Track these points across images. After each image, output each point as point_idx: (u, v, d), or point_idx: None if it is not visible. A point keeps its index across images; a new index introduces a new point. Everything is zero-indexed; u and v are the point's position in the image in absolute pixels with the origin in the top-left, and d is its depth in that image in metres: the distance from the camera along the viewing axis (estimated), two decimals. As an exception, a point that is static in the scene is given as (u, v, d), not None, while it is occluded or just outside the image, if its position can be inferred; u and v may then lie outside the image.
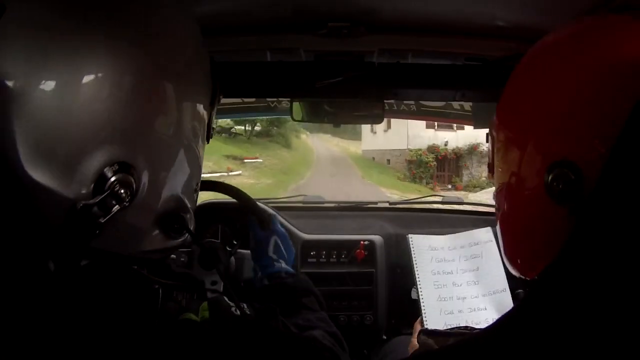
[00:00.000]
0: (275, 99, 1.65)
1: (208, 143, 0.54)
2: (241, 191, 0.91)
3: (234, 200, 0.90)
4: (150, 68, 0.41)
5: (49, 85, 0.35)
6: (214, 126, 0.54)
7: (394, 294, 1.29)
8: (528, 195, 0.39)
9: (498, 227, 0.47)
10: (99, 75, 0.37)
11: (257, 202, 1.01)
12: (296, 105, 1.07)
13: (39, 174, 0.35)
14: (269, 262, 0.78)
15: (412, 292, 1.30)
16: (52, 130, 0.36)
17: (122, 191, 0.39)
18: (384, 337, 1.25)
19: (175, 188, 0.46)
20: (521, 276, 0.45)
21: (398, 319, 1.29)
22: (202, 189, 0.86)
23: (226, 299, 0.52)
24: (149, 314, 0.44)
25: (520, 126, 0.41)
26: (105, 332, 0.39)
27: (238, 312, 0.49)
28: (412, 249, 0.98)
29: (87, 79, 0.37)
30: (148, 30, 0.41)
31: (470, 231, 1.03)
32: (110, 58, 0.38)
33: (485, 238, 1.02)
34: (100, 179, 0.38)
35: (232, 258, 1.14)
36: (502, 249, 0.47)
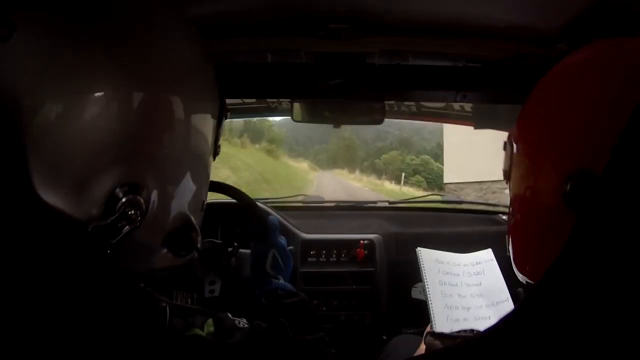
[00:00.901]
0: (275, 100, 1.66)
1: (214, 160, 0.53)
2: (243, 193, 0.91)
3: (234, 200, 0.91)
4: (156, 86, 0.41)
5: (57, 104, 0.35)
6: (220, 143, 0.54)
7: (393, 293, 1.29)
8: (544, 204, 0.41)
9: (508, 235, 0.48)
10: (105, 94, 0.37)
11: (258, 204, 1.01)
12: (296, 106, 1.07)
13: (49, 196, 0.35)
14: (266, 279, 0.78)
15: (412, 291, 1.30)
16: (62, 151, 0.36)
17: (133, 212, 0.39)
18: (384, 337, 1.26)
19: (184, 206, 0.46)
20: (529, 282, 0.46)
21: (398, 318, 1.29)
22: (218, 191, 0.86)
23: (229, 315, 0.53)
24: (157, 332, 0.44)
25: (541, 138, 0.43)
26: (114, 351, 0.39)
27: (241, 325, 0.50)
28: (421, 262, 1.01)
29: (93, 98, 0.37)
30: (152, 48, 0.41)
31: (473, 253, 1.08)
32: (115, 77, 0.38)
33: (486, 258, 1.06)
34: (111, 200, 0.38)
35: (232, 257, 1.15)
36: (512, 255, 0.48)
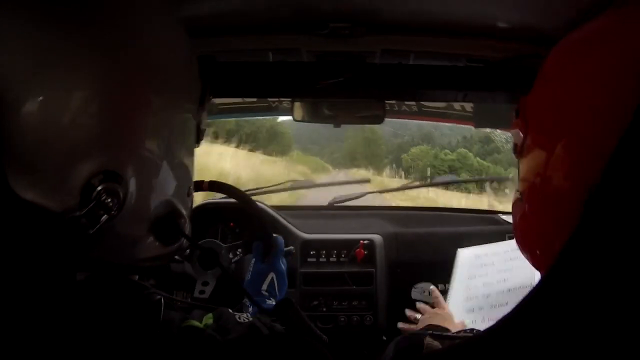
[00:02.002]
0: (276, 99, 1.66)
1: (199, 145, 0.53)
2: (253, 201, 0.92)
3: (234, 200, 0.90)
4: (131, 75, 0.40)
5: (32, 96, 0.35)
6: (204, 128, 0.54)
7: (394, 294, 1.29)
8: (559, 208, 0.38)
9: (515, 217, 0.46)
10: (81, 84, 0.37)
11: (258, 203, 1.01)
12: (297, 106, 1.07)
13: (23, 189, 0.35)
14: (260, 298, 0.78)
15: (412, 292, 1.30)
16: (35, 142, 0.35)
17: (109, 200, 0.38)
18: (384, 337, 1.25)
19: (166, 193, 0.46)
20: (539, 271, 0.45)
21: (398, 319, 1.29)
22: (218, 191, 0.87)
23: (230, 310, 0.53)
24: (151, 323, 0.44)
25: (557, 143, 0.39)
26: (107, 343, 0.39)
27: (242, 320, 0.50)
28: (457, 264, 1.02)
29: (67, 89, 0.36)
30: (128, 38, 0.41)
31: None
32: (92, 68, 0.37)
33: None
34: (86, 189, 0.37)
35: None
36: (517, 237, 0.46)
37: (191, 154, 0.51)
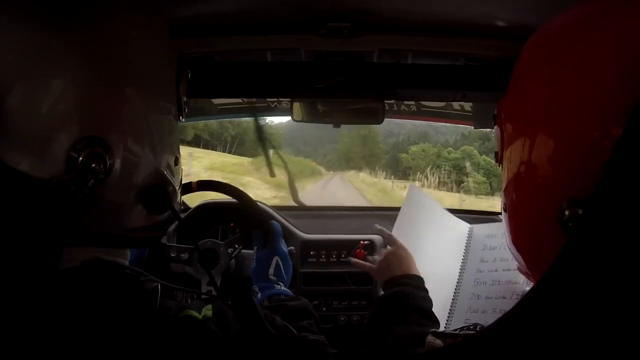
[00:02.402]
0: (275, 99, 1.66)
1: (183, 120, 0.54)
2: (244, 193, 0.91)
3: (234, 200, 0.90)
4: (110, 49, 0.41)
5: (17, 69, 0.36)
6: (185, 102, 0.55)
7: (393, 294, 1.29)
8: (538, 219, 0.38)
9: (505, 221, 0.45)
10: (65, 56, 0.38)
11: (259, 204, 1.01)
12: (296, 106, 1.07)
13: (8, 156, 0.36)
14: (269, 284, 0.80)
15: None
16: (20, 114, 0.36)
17: (94, 165, 0.39)
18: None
19: (153, 161, 0.46)
20: (528, 278, 0.45)
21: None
22: (208, 189, 0.87)
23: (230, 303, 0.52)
24: (146, 311, 0.43)
25: (536, 150, 0.38)
26: (101, 330, 0.39)
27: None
28: (469, 241, 0.96)
29: (54, 64, 0.38)
30: (100, 12, 0.42)
31: None
32: (72, 40, 0.39)
33: None
34: (72, 156, 0.38)
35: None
36: (508, 240, 0.45)
37: (175, 124, 0.52)
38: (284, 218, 1.34)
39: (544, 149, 0.37)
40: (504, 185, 0.44)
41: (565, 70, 0.36)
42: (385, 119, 1.07)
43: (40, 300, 0.37)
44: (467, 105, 1.71)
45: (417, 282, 0.80)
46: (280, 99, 1.63)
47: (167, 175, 0.48)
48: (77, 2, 0.40)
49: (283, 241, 0.86)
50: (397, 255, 0.87)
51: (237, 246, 1.13)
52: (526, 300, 0.33)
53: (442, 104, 1.80)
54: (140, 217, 0.46)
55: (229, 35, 0.83)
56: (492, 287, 0.94)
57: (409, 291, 0.76)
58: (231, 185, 0.90)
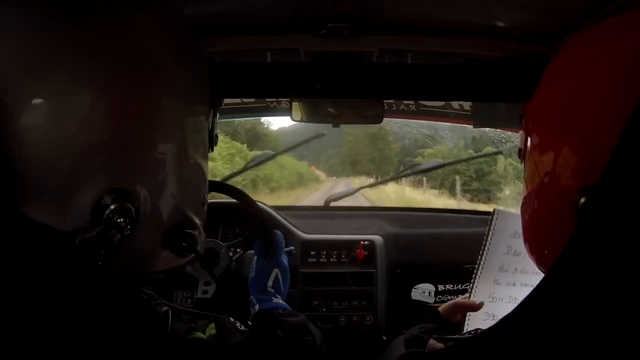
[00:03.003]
0: (274, 100, 1.65)
1: (212, 151, 0.51)
2: (253, 201, 0.92)
3: (234, 200, 0.90)
4: (144, 85, 0.39)
5: (40, 105, 0.34)
6: (217, 132, 0.52)
7: (394, 295, 1.29)
8: (556, 210, 0.40)
9: (523, 218, 0.47)
10: (90, 94, 0.36)
11: (259, 204, 1.01)
12: (295, 106, 1.07)
13: (32, 209, 0.34)
14: (266, 297, 0.78)
15: (413, 292, 1.30)
16: (42, 157, 0.34)
17: (122, 220, 0.37)
18: (384, 337, 1.25)
19: (181, 205, 0.44)
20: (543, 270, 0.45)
21: (398, 320, 1.29)
22: (218, 191, 0.86)
23: (231, 318, 0.52)
24: (159, 336, 0.43)
25: (556, 141, 0.41)
26: (114, 353, 0.38)
27: (242, 328, 0.49)
28: (492, 227, 0.84)
29: (77, 99, 0.35)
30: (136, 42, 0.39)
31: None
32: (102, 75, 0.36)
33: None
34: (97, 209, 0.36)
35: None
36: (525, 237, 0.47)
37: (205, 161, 0.49)
38: (284, 218, 1.34)
39: (558, 141, 0.40)
40: (524, 183, 0.47)
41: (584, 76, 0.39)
42: (386, 119, 1.06)
43: (51, 327, 0.37)
44: (467, 105, 1.71)
45: None
46: (280, 99, 1.63)
47: (194, 218, 0.46)
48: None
49: (285, 254, 0.86)
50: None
51: (238, 250, 1.13)
52: (532, 297, 0.33)
53: (442, 103, 1.80)
54: (167, 261, 0.45)
55: (228, 36, 0.83)
56: (507, 305, 0.86)
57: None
58: (241, 191, 0.90)
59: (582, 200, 0.36)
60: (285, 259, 0.86)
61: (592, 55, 0.39)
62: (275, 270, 0.82)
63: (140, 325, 0.42)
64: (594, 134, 0.36)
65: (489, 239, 0.84)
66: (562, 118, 0.40)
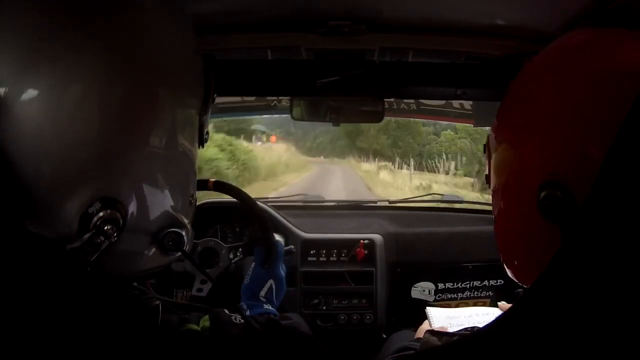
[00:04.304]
0: (275, 98, 1.65)
1: (202, 147, 0.51)
2: (257, 204, 0.92)
3: (235, 200, 0.90)
4: (138, 82, 0.38)
5: (28, 102, 0.33)
6: (207, 130, 0.52)
7: (393, 293, 1.29)
8: (521, 210, 0.40)
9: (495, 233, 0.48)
10: (83, 91, 0.35)
11: (259, 204, 1.01)
12: (296, 104, 1.07)
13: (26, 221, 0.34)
14: (257, 302, 0.79)
15: (412, 291, 1.30)
16: (32, 171, 0.34)
17: (109, 227, 0.37)
18: (384, 335, 1.26)
19: (168, 204, 0.44)
20: (519, 282, 0.46)
21: (398, 318, 1.29)
22: (223, 192, 0.86)
23: (226, 311, 0.52)
24: (149, 327, 0.43)
25: (516, 139, 0.42)
26: (106, 347, 0.39)
27: (238, 321, 0.49)
28: (430, 320, 0.98)
29: (69, 96, 0.35)
30: (133, 37, 0.39)
31: (489, 308, 1.04)
32: (97, 70, 0.36)
33: (495, 312, 1.03)
34: (84, 218, 0.36)
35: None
36: (501, 255, 0.47)
37: (195, 158, 0.49)
38: (284, 217, 1.34)
39: (518, 140, 0.41)
40: (494, 201, 0.47)
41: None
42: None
43: (45, 322, 0.37)
44: (467, 104, 1.71)
45: None
46: (280, 98, 1.63)
47: (182, 218, 0.46)
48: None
49: (283, 264, 0.86)
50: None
51: (239, 253, 1.14)
52: (526, 296, 0.33)
53: (442, 102, 1.80)
54: (154, 260, 0.45)
55: (229, 33, 0.83)
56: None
57: None
58: (241, 190, 0.89)
59: (543, 194, 0.36)
60: (283, 270, 0.85)
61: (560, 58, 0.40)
62: (270, 282, 0.81)
63: (129, 318, 0.42)
64: (557, 128, 0.37)
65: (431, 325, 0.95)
66: (528, 116, 0.40)
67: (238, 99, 1.64)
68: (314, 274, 1.27)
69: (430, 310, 1.01)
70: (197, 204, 1.32)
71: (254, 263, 0.85)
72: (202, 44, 0.83)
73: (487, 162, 0.49)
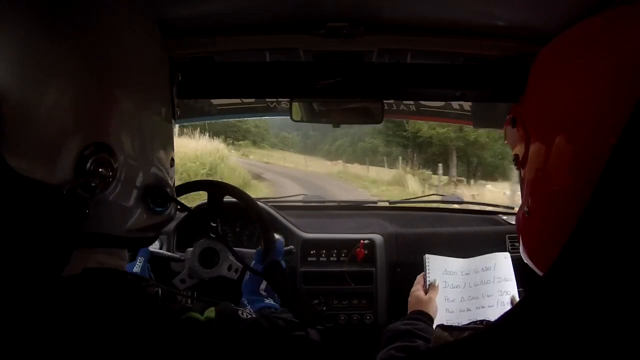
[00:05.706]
0: (274, 100, 1.66)
1: (175, 121, 0.56)
2: (257, 205, 0.92)
3: (234, 199, 0.91)
4: (107, 51, 0.42)
5: (23, 79, 0.37)
6: (177, 108, 0.57)
7: (393, 293, 1.29)
8: (564, 197, 0.38)
9: (520, 227, 0.46)
10: (62, 66, 0.39)
11: (259, 204, 1.01)
12: (295, 106, 1.07)
13: (19, 164, 0.36)
14: (258, 298, 0.81)
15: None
16: (29, 122, 0.37)
17: (102, 169, 0.41)
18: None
19: (153, 163, 0.49)
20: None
21: (398, 318, 1.29)
22: (212, 189, 0.87)
23: (232, 305, 0.52)
24: (148, 313, 0.44)
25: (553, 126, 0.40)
26: (104, 334, 0.39)
27: (244, 316, 0.49)
28: (427, 269, 1.03)
29: (52, 71, 0.38)
30: (97, 15, 0.42)
31: (489, 255, 1.06)
32: (70, 49, 0.39)
33: (501, 263, 1.05)
34: (80, 161, 0.40)
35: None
36: (524, 248, 0.45)
37: (170, 128, 0.54)
38: (284, 217, 1.35)
39: (566, 154, 0.38)
40: (526, 189, 0.44)
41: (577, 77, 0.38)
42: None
43: (44, 307, 0.38)
44: (467, 105, 1.71)
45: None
46: (280, 99, 1.63)
47: (165, 176, 0.50)
48: (74, 5, 0.41)
49: (282, 262, 0.87)
50: (413, 295, 1.00)
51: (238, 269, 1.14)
52: (537, 290, 0.33)
53: (442, 103, 1.80)
54: (141, 218, 0.48)
55: (227, 36, 0.83)
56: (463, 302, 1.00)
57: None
58: (241, 190, 0.91)
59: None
60: (283, 265, 0.87)
61: (585, 50, 0.38)
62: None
63: (126, 302, 0.43)
64: (600, 132, 0.34)
65: (427, 280, 1.01)
66: (566, 119, 0.38)
67: (237, 100, 1.64)
68: (314, 274, 1.28)
69: (429, 258, 1.03)
70: (197, 203, 1.34)
71: (254, 262, 0.87)
72: (199, 47, 0.84)
73: (517, 139, 0.45)
